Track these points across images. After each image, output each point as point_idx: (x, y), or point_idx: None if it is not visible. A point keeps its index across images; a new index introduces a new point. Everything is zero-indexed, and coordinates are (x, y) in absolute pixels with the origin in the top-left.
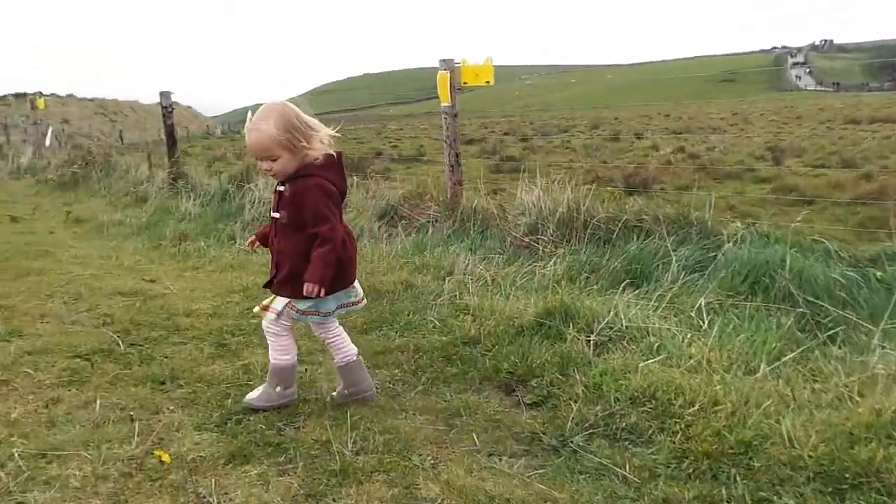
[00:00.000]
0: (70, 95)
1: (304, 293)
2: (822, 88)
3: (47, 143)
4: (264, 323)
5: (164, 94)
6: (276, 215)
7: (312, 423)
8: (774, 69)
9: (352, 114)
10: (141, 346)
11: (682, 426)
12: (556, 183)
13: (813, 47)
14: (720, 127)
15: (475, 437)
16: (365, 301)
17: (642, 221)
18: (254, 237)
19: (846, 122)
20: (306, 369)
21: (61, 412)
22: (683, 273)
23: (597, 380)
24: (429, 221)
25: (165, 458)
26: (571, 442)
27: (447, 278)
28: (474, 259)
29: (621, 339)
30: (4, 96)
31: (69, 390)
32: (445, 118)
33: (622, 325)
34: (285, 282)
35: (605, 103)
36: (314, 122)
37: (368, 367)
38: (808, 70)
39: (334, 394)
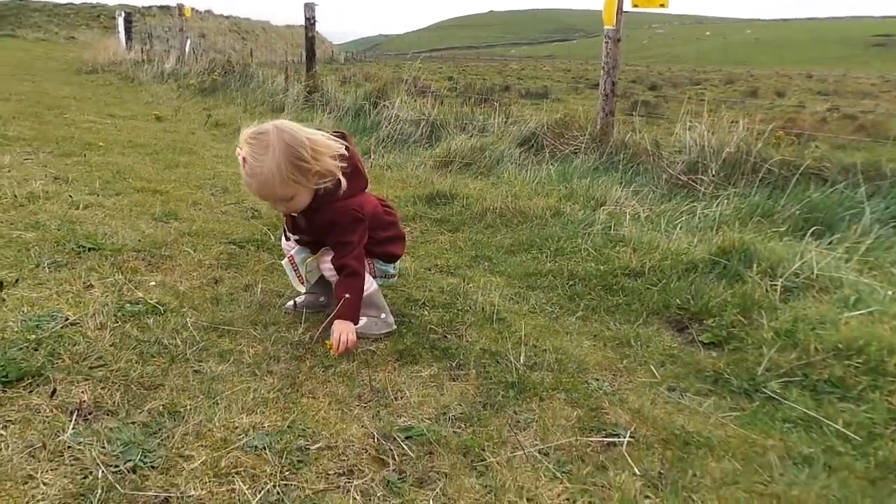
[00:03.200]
0: (208, 11)
1: (333, 342)
2: None
3: (186, 53)
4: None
5: (308, 6)
6: (295, 237)
7: (476, 333)
8: None
9: (474, 51)
10: None
11: None
12: (727, 122)
13: None
14: (872, 92)
15: (653, 369)
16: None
17: (824, 169)
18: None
19: None
20: (462, 279)
21: (224, 291)
22: (878, 226)
23: (789, 326)
24: (574, 152)
25: (334, 349)
26: (765, 388)
27: (599, 209)
28: (627, 192)
29: (811, 288)
30: (150, 7)
31: (228, 272)
32: (607, 42)
33: (812, 272)
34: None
35: (740, 60)
36: (316, 137)
37: (520, 288)
38: None
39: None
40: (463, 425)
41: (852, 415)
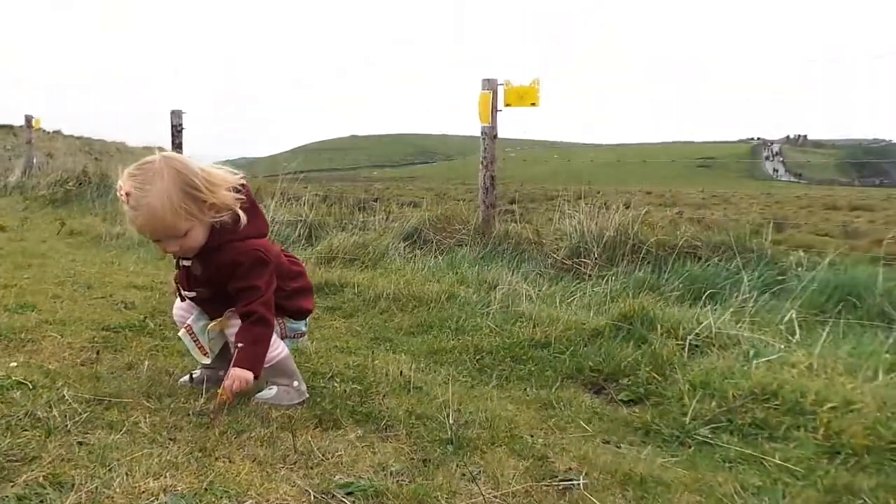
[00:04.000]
0: (57, 131)
1: (226, 388)
2: (795, 180)
3: (34, 166)
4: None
5: (175, 113)
6: (191, 294)
7: (395, 400)
8: (750, 160)
9: (338, 173)
10: (173, 327)
11: (823, 422)
12: (600, 207)
13: (787, 140)
14: (704, 203)
15: (583, 424)
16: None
17: (697, 248)
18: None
19: (825, 208)
20: (366, 357)
21: (105, 370)
22: (755, 293)
23: (703, 378)
24: (459, 244)
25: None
26: (696, 434)
27: (493, 290)
28: (517, 276)
29: (712, 346)
30: None
31: (106, 354)
32: (484, 139)
33: (711, 331)
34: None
35: (585, 179)
36: (207, 167)
37: (427, 363)
38: (782, 161)
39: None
40: (407, 479)
41: (785, 451)
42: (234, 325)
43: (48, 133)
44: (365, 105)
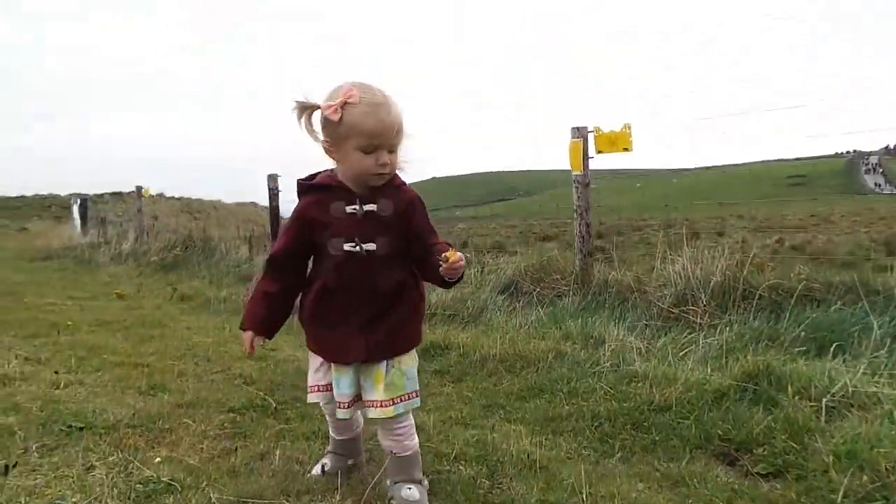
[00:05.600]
0: (160, 194)
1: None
2: None
3: (145, 231)
4: (401, 413)
5: (272, 177)
6: (368, 247)
7: (523, 485)
8: (846, 172)
9: None
10: (292, 403)
11: None
12: (705, 251)
13: (887, 151)
14: (803, 225)
15: None
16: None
17: (812, 290)
18: (251, 333)
19: None
20: (483, 430)
21: (239, 462)
22: (888, 339)
23: (848, 448)
24: (558, 295)
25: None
26: None
27: (600, 347)
28: (622, 328)
29: (850, 407)
30: (102, 194)
31: (237, 441)
32: (577, 187)
33: (847, 389)
34: (396, 332)
35: (672, 205)
36: None
37: (545, 435)
38: (882, 173)
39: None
40: None
41: None
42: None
43: (152, 197)
44: (442, 147)
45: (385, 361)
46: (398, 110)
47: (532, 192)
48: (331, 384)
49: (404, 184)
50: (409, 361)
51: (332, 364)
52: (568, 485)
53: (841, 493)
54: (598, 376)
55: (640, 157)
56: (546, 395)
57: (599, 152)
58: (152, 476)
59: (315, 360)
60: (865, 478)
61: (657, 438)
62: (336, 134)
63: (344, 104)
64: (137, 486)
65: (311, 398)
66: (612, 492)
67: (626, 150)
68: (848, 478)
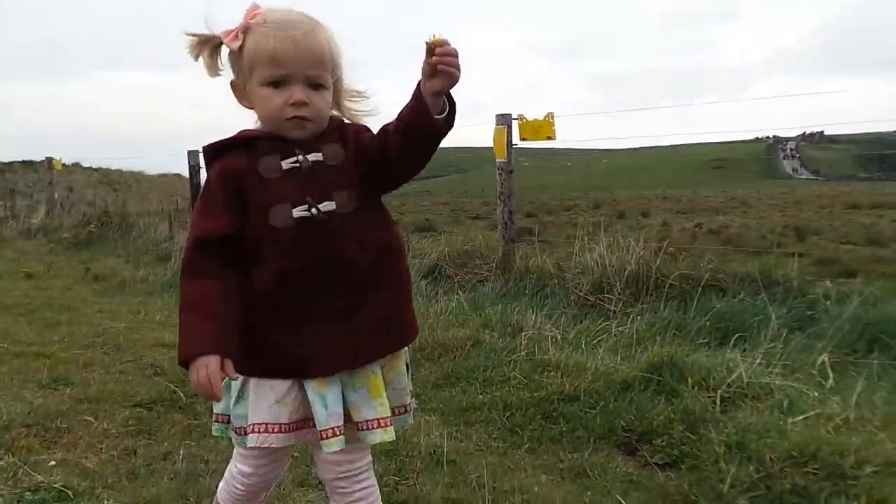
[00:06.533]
0: (76, 164)
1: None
2: (814, 177)
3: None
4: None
5: (192, 153)
6: (326, 207)
7: (429, 479)
8: (765, 158)
9: None
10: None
11: (864, 489)
12: (621, 240)
13: (803, 137)
14: (722, 208)
15: (619, 499)
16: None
17: (721, 280)
18: (215, 359)
19: (845, 207)
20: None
21: (140, 463)
22: (784, 331)
23: (738, 438)
24: (481, 281)
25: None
26: None
27: (518, 335)
28: (541, 317)
29: (744, 397)
30: (11, 163)
31: (140, 440)
32: (500, 174)
33: (742, 381)
34: (390, 318)
35: (602, 186)
36: None
37: (457, 425)
38: (798, 158)
39: None
40: None
41: None
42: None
43: (67, 167)
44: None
45: (378, 362)
46: (326, 36)
47: (466, 168)
48: (305, 418)
49: (348, 123)
50: (404, 359)
51: (308, 381)
52: (473, 479)
53: (727, 484)
54: (513, 365)
55: (573, 138)
56: (462, 385)
57: (523, 139)
58: (43, 482)
59: (264, 389)
60: (752, 468)
61: (564, 429)
62: (240, 68)
63: (246, 28)
64: (26, 494)
65: (265, 440)
66: (516, 485)
67: (549, 138)
68: (735, 468)
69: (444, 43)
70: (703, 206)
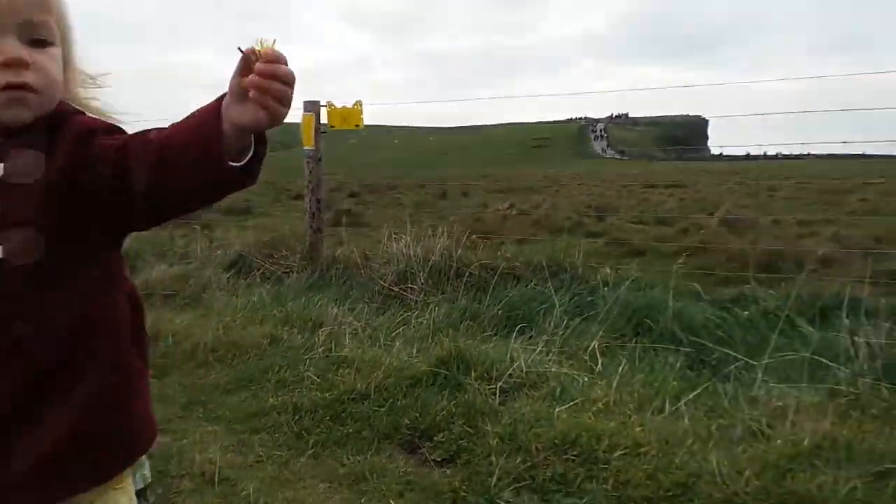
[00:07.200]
0: None
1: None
2: (619, 157)
3: None
4: None
5: None
6: None
7: (193, 501)
8: (579, 138)
9: None
10: None
11: (612, 472)
12: (427, 230)
13: (611, 119)
14: (537, 188)
15: (392, 503)
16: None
17: (515, 268)
18: None
19: (644, 186)
20: (175, 436)
21: None
22: (566, 317)
23: (511, 429)
24: (286, 272)
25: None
26: (499, 498)
27: (317, 330)
28: (343, 310)
29: (523, 386)
30: None
31: None
32: (308, 163)
33: (522, 371)
34: (82, 442)
35: (428, 164)
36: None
37: (242, 434)
38: (606, 138)
39: None
40: None
41: None
42: None
43: None
44: (189, 91)
45: None
46: None
47: (290, 145)
48: None
49: (78, 112)
50: (128, 491)
51: None
52: (245, 497)
53: (496, 477)
54: (309, 363)
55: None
56: (253, 388)
57: (331, 128)
58: None
59: None
60: (519, 459)
61: (351, 430)
62: None
63: None
64: None
65: None
66: (291, 497)
67: (357, 126)
68: (505, 460)
69: (273, 57)
70: (521, 185)
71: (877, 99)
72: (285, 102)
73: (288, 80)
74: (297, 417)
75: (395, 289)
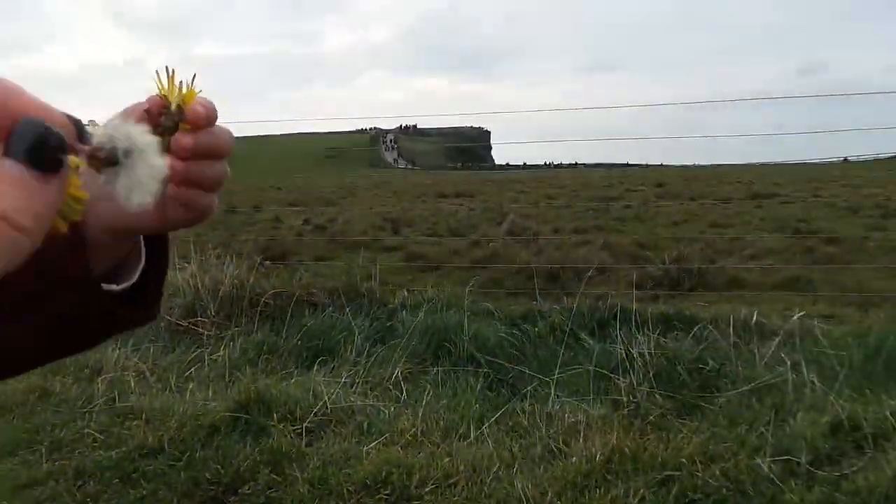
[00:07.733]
0: None
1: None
2: (411, 167)
3: None
4: None
5: None
6: None
7: None
8: (371, 148)
9: None
10: None
11: None
12: (214, 258)
13: (401, 130)
14: (332, 199)
15: None
16: None
17: (312, 294)
18: None
19: (437, 196)
20: None
21: None
22: (368, 344)
23: (320, 473)
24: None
25: None
26: None
27: (96, 378)
28: (125, 351)
29: (329, 424)
30: None
31: None
32: None
33: (326, 408)
34: None
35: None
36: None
37: None
38: (397, 149)
39: None
40: None
41: None
42: None
43: None
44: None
45: None
46: None
47: None
48: None
49: None
50: None
51: None
52: None
53: None
54: (89, 418)
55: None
56: (22, 453)
57: None
58: None
59: None
60: None
61: (145, 493)
62: None
63: None
64: None
65: None
66: None
67: None
68: None
69: (205, 119)
70: (315, 196)
71: (631, 115)
72: (217, 187)
73: (226, 153)
74: (79, 483)
75: (184, 323)
